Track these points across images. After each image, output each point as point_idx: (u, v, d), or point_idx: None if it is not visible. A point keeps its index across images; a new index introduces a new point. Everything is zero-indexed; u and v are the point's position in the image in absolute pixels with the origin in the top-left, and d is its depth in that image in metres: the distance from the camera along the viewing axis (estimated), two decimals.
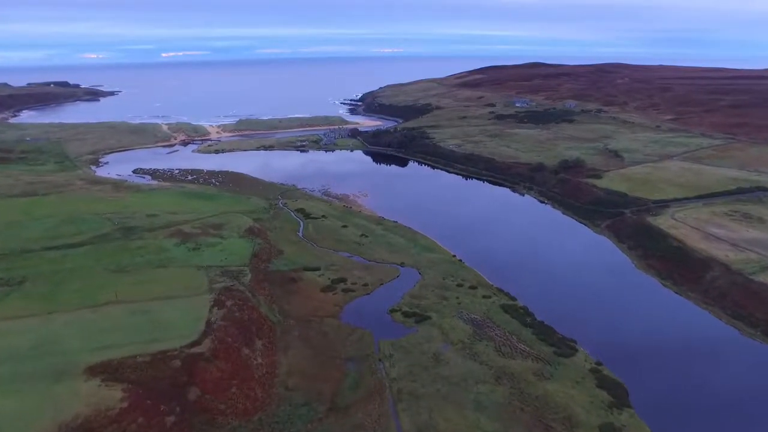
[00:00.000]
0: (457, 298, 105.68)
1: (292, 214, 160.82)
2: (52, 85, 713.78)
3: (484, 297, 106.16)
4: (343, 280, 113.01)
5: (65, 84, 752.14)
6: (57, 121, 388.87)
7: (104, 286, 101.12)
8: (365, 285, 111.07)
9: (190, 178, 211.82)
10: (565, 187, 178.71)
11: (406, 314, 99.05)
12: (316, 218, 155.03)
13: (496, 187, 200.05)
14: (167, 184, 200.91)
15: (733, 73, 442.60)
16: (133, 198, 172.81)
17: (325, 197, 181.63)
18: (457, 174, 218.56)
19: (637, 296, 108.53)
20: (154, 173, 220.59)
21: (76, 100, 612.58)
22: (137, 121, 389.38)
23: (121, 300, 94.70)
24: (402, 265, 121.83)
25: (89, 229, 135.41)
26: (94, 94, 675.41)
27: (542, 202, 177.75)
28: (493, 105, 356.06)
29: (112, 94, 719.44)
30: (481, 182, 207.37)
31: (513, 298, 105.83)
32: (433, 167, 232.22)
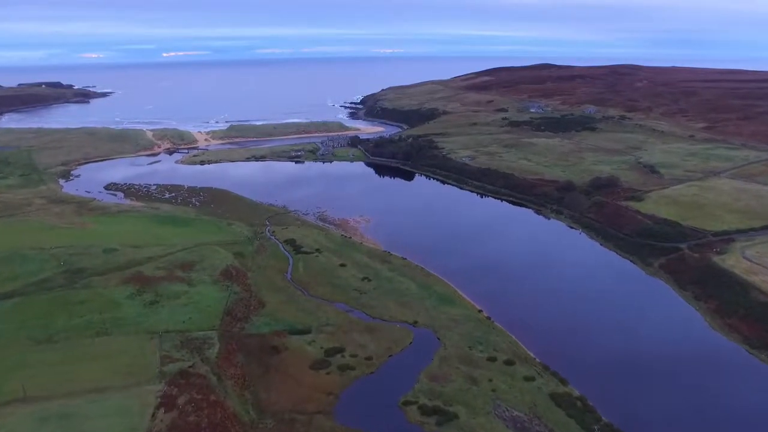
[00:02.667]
0: (491, 380, 79.65)
1: (281, 246, 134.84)
2: (43, 86, 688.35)
3: (525, 379, 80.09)
4: (339, 350, 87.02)
5: (57, 85, 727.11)
6: (37, 125, 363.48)
7: (17, 368, 75.51)
8: (368, 359, 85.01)
9: (167, 196, 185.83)
10: (602, 212, 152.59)
11: (424, 410, 72.95)
12: (308, 253, 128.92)
13: (518, 208, 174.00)
14: (140, 204, 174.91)
15: (760, 76, 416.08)
16: (94, 225, 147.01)
17: (320, 223, 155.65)
18: (472, 191, 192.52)
19: (725, 376, 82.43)
20: (127, 190, 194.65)
21: (64, 102, 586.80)
22: (122, 126, 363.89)
23: (32, 397, 68.79)
24: (415, 324, 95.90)
25: (27, 272, 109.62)
26: (84, 96, 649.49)
27: (574, 228, 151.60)
28: (505, 110, 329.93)
29: (103, 95, 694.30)
30: (500, 201, 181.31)
31: (564, 381, 79.77)
32: (444, 182, 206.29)
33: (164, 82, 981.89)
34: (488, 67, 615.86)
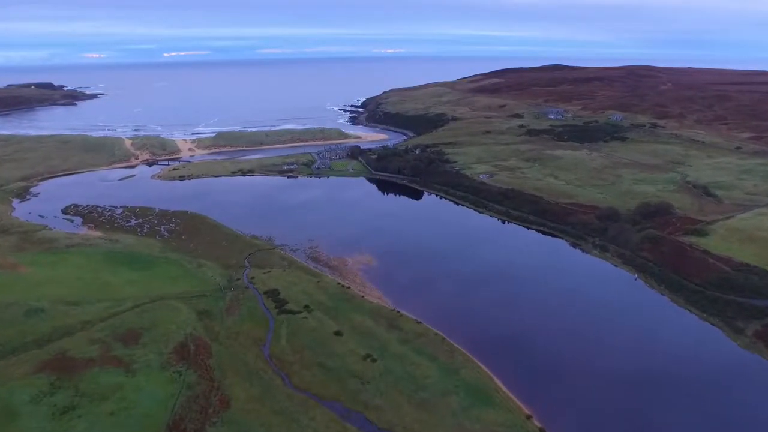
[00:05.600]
0: None
1: (260, 300, 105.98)
2: (32, 87, 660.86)
3: None
4: None
5: (48, 86, 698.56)
6: (11, 131, 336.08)
7: None
8: None
9: (132, 222, 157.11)
10: (660, 251, 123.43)
11: None
12: (294, 313, 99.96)
13: (550, 239, 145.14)
14: (97, 234, 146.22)
15: None
16: (29, 268, 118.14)
17: (312, 264, 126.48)
18: (492, 216, 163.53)
19: None
20: (88, 214, 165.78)
21: (50, 105, 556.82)
22: (103, 132, 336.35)
23: None
24: None
25: None
26: (72, 98, 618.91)
27: (625, 271, 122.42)
28: (520, 116, 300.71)
29: (94, 96, 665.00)
30: (526, 230, 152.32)
31: None
32: (458, 204, 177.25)
33: (160, 82, 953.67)
34: (493, 68, 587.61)
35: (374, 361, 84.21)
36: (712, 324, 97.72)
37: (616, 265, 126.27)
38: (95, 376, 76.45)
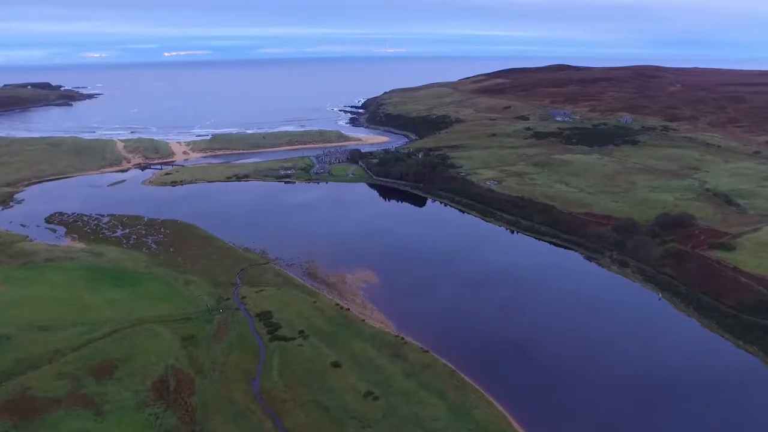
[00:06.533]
0: None
1: (251, 324, 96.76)
2: (28, 87, 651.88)
3: None
4: None
5: (45, 86, 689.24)
6: (1, 133, 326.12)
7: None
8: None
9: (119, 233, 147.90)
10: (684, 268, 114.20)
11: None
12: (288, 340, 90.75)
13: (562, 251, 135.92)
14: (80, 246, 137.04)
15: None
16: (3, 284, 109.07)
17: (308, 281, 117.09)
18: (500, 226, 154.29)
19: None
20: (72, 223, 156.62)
21: (45, 105, 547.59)
22: (97, 133, 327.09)
23: None
24: None
25: None
26: (68, 98, 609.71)
27: (647, 289, 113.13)
28: (525, 118, 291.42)
29: (91, 97, 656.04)
30: (537, 241, 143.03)
31: None
32: (463, 212, 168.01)
33: (158, 82, 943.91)
34: (495, 68, 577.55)
35: (376, 399, 74.91)
36: (749, 352, 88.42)
37: (636, 282, 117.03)
38: (59, 421, 67.37)
